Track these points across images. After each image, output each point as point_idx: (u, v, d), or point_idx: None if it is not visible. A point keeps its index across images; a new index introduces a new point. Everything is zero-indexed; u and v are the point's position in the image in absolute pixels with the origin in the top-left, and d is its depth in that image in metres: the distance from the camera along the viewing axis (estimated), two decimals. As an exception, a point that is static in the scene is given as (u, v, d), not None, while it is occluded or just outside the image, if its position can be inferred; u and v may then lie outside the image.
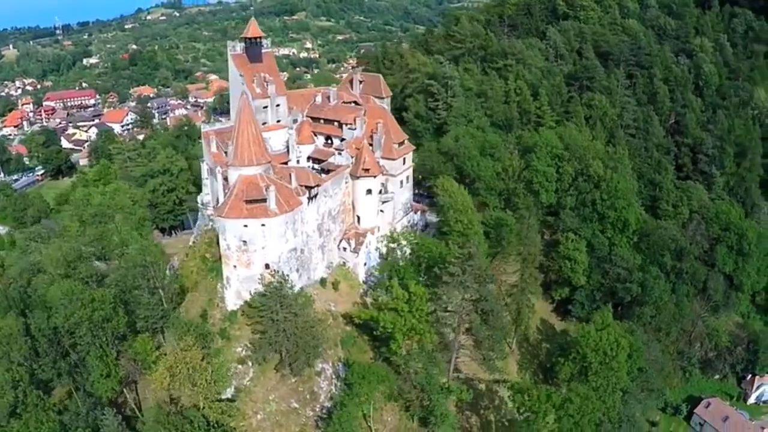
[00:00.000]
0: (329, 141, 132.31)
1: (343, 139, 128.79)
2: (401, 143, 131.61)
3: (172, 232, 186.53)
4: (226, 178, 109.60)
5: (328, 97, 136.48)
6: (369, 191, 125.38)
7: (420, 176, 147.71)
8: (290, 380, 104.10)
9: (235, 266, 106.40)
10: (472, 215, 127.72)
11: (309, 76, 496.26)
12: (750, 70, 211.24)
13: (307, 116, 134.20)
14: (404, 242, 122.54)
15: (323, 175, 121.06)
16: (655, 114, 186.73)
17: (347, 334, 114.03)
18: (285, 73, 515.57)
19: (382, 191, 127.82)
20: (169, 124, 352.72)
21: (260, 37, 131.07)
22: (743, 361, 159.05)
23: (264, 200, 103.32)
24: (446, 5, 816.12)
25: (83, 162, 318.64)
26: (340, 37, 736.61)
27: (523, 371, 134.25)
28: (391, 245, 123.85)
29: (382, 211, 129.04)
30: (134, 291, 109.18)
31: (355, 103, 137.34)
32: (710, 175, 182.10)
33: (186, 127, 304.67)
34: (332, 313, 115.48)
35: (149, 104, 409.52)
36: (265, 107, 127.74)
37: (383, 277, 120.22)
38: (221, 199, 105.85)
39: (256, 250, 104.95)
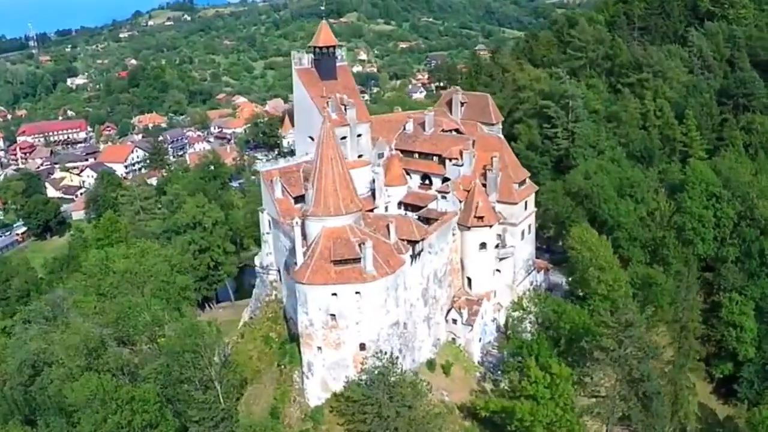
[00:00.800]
0: (427, 181, 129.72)
1: (446, 179, 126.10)
2: (522, 183, 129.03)
3: (205, 305, 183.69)
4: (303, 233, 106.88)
5: (422, 124, 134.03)
6: (483, 245, 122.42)
7: (537, 224, 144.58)
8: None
9: (319, 348, 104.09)
10: (618, 273, 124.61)
11: (367, 96, 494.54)
12: None
13: (395, 149, 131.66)
14: (535, 310, 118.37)
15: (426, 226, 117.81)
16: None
17: (467, 430, 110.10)
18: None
19: (499, 245, 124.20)
20: (188, 162, 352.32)
21: (334, 47, 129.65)
22: None
23: (357, 260, 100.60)
24: (540, 1, 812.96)
25: (78, 215, 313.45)
26: (403, 45, 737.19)
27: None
28: (516, 314, 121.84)
29: (498, 270, 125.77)
30: (182, 385, 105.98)
31: (457, 131, 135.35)
32: None
33: (213, 167, 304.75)
34: (446, 405, 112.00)
35: (160, 137, 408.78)
36: (344, 138, 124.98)
37: (504, 356, 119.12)
38: (299, 260, 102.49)
39: (348, 326, 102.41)
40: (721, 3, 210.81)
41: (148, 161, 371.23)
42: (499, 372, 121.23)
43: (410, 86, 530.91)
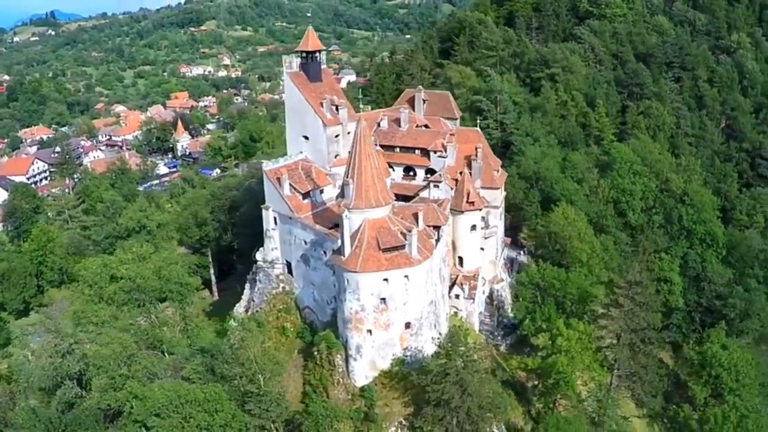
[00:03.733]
0: (410, 173, 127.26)
1: (429, 170, 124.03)
2: (497, 170, 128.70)
3: None
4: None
5: (395, 121, 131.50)
6: (473, 227, 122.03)
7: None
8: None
9: (369, 331, 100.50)
10: (594, 243, 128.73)
11: (239, 99, 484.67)
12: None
13: (377, 144, 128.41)
14: (538, 280, 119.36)
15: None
16: (708, 119, 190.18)
17: (494, 391, 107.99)
18: (213, 98, 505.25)
19: (484, 226, 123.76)
20: (90, 169, 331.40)
21: (320, 51, 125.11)
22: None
23: (402, 247, 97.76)
24: (382, 3, 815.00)
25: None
26: (262, 49, 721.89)
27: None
28: (522, 284, 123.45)
29: (482, 249, 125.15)
30: (227, 381, 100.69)
31: (426, 126, 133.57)
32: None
33: (122, 172, 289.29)
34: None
35: (57, 147, 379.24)
36: (337, 136, 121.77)
37: (496, 323, 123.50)
38: (347, 251, 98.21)
39: (396, 308, 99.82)
40: (598, 3, 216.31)
41: (54, 171, 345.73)
42: (499, 338, 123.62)
43: (281, 87, 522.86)
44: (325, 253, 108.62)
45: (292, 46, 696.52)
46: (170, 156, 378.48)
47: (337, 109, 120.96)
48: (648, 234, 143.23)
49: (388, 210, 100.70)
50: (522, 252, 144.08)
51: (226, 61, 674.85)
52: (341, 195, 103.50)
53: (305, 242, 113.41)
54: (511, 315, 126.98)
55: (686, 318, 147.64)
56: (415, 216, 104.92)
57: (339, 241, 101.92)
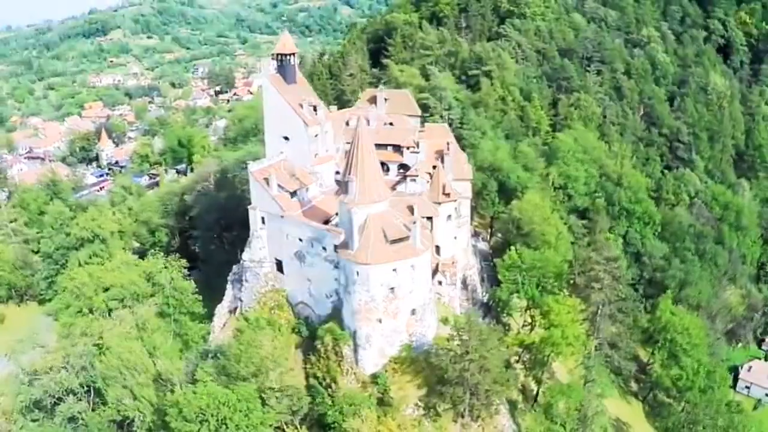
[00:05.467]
0: (383, 168, 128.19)
1: (402, 165, 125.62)
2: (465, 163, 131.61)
3: None
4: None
5: (366, 120, 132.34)
6: (449, 217, 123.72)
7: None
8: (473, 427, 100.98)
9: (379, 320, 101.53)
10: (560, 225, 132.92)
11: (154, 106, 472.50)
12: (695, 56, 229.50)
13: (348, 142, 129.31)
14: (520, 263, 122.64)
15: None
16: (628, 108, 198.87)
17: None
18: (128, 106, 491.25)
19: (457, 216, 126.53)
20: (17, 181, 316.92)
21: (293, 54, 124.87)
22: (763, 325, 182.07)
23: (406, 238, 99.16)
24: (282, 8, 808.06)
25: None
26: (169, 56, 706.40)
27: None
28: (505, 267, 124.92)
29: (455, 237, 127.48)
30: (243, 382, 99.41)
31: (391, 124, 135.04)
32: (689, 161, 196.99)
33: (54, 184, 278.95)
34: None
35: None
36: (317, 135, 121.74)
37: (471, 309, 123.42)
38: (356, 245, 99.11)
39: (404, 297, 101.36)
40: (517, 2, 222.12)
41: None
42: (481, 318, 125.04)
43: (194, 93, 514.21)
44: (324, 248, 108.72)
45: (199, 53, 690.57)
46: (95, 165, 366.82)
47: (315, 110, 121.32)
48: (603, 216, 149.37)
49: (388, 204, 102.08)
50: (479, 239, 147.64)
51: (135, 70, 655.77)
52: (343, 191, 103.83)
53: (300, 239, 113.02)
54: (484, 297, 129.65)
55: (629, 291, 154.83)
56: (410, 209, 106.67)
57: (342, 237, 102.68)
